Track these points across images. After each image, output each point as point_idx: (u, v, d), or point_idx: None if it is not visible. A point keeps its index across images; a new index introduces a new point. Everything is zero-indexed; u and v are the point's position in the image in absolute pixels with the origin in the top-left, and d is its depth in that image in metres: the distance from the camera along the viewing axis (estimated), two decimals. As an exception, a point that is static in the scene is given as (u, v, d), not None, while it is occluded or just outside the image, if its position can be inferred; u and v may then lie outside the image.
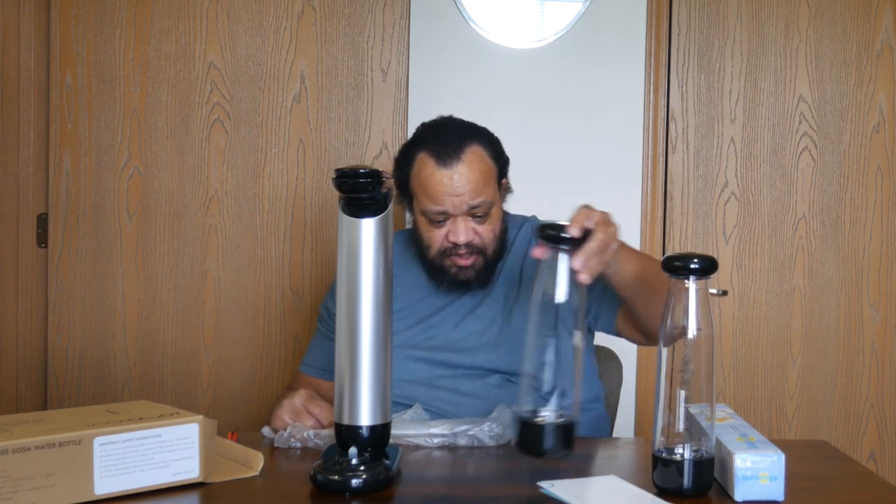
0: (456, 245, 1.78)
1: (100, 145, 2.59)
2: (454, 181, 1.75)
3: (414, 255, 1.88)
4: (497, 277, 1.87)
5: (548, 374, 1.33)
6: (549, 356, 1.33)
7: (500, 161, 1.85)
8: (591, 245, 1.35)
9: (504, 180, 1.88)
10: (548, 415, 1.33)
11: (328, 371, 1.85)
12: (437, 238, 1.80)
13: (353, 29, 2.59)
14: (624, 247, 1.54)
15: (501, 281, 1.87)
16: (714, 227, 2.61)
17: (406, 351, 1.82)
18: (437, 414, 1.76)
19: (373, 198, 1.37)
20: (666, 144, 2.60)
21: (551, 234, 1.34)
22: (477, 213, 1.78)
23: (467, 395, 1.79)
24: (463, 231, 1.77)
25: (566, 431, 1.33)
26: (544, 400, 1.33)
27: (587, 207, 1.42)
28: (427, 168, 1.77)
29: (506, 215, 1.93)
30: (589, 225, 1.37)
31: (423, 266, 1.86)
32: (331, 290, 1.98)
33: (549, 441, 1.33)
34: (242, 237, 2.60)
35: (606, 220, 1.41)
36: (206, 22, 2.58)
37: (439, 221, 1.79)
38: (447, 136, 1.80)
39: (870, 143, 2.60)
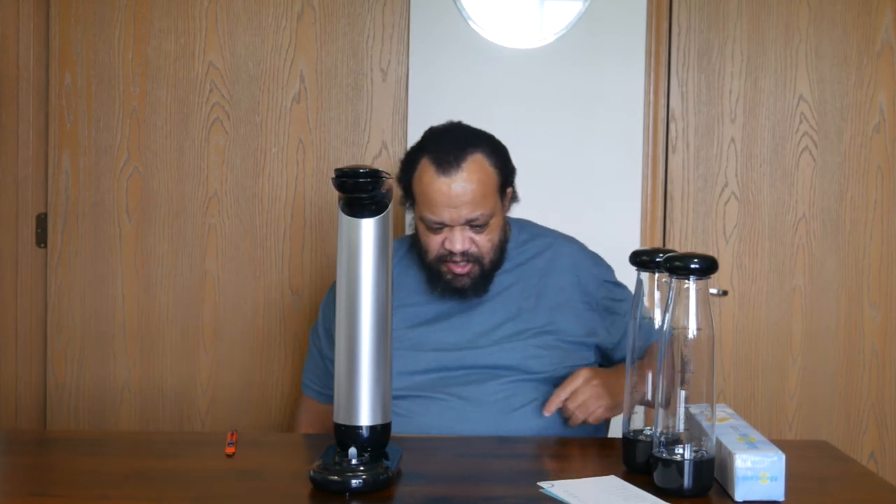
0: (452, 252, 1.79)
1: (99, 145, 2.59)
2: (452, 190, 1.75)
3: (415, 259, 1.89)
4: (508, 285, 1.87)
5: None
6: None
7: (505, 170, 1.85)
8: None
9: (509, 189, 1.87)
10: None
11: (328, 394, 1.86)
12: (434, 244, 1.81)
13: (352, 29, 2.59)
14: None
15: (513, 288, 1.87)
16: (714, 227, 2.61)
17: (406, 352, 1.82)
18: (442, 412, 1.77)
19: (373, 198, 1.37)
20: (666, 144, 2.60)
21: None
22: (475, 224, 1.78)
23: (470, 397, 1.79)
24: (459, 240, 1.78)
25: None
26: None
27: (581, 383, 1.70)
28: (427, 174, 1.78)
29: (520, 224, 1.95)
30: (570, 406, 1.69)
31: (422, 270, 1.86)
32: (326, 303, 1.98)
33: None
34: (242, 237, 2.60)
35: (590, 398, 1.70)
36: (206, 22, 2.58)
37: (437, 228, 1.79)
38: (450, 143, 1.80)
39: (870, 143, 2.60)
